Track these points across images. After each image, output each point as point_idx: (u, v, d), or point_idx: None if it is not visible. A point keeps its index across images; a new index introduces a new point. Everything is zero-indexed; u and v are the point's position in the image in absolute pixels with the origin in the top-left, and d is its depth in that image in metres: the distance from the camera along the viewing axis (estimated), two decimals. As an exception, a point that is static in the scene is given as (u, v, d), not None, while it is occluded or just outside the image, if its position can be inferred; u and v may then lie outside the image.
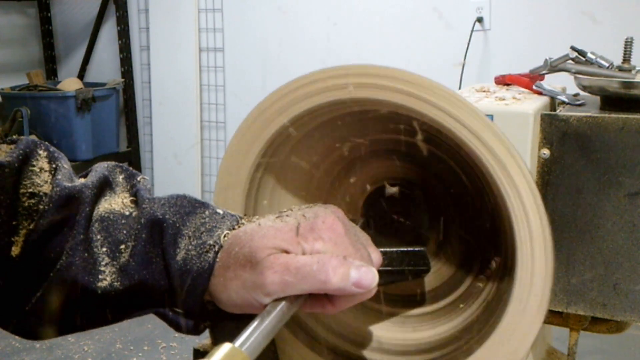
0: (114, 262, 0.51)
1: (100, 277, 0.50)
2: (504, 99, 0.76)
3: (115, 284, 0.50)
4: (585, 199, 0.69)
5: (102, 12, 3.39)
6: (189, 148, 3.25)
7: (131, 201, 0.54)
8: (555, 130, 0.69)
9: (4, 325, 0.53)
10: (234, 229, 0.52)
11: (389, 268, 0.67)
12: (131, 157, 3.42)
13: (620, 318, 0.71)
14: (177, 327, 0.52)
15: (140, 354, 2.33)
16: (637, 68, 0.80)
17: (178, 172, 3.31)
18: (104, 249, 0.51)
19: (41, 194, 0.51)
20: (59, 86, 3.21)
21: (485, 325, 0.64)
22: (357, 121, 0.67)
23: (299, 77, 0.61)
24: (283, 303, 0.49)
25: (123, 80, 3.34)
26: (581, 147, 0.69)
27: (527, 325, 0.57)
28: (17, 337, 0.54)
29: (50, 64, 3.56)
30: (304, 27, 2.92)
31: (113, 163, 0.58)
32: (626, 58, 0.81)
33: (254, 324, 0.46)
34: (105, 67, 3.47)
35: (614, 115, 0.68)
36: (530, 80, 0.83)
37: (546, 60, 0.84)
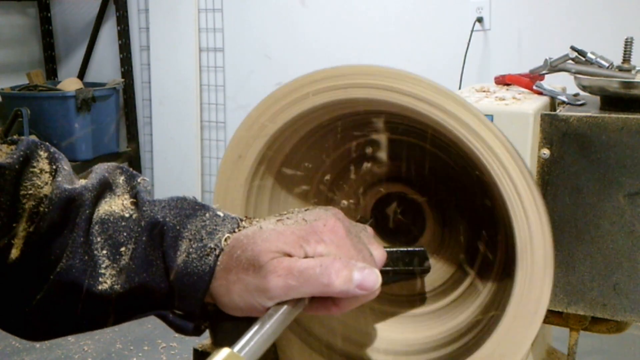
0: (114, 265, 0.50)
1: (100, 279, 0.50)
2: (504, 99, 0.76)
3: (116, 286, 0.50)
4: (585, 199, 0.69)
5: (102, 12, 3.39)
6: (189, 148, 3.24)
7: (131, 203, 0.54)
8: (555, 130, 0.69)
9: (4, 326, 0.53)
10: (234, 231, 0.52)
11: (390, 268, 0.67)
12: (131, 157, 3.42)
13: (620, 318, 0.71)
14: (178, 329, 0.52)
15: (140, 354, 2.33)
16: (637, 68, 0.80)
17: (178, 172, 3.30)
18: (104, 252, 0.50)
19: (41, 195, 0.50)
20: (59, 86, 3.21)
21: (485, 324, 0.64)
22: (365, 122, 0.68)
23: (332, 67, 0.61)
24: (285, 307, 0.48)
25: (123, 80, 3.33)
26: (581, 147, 0.69)
27: (527, 325, 0.57)
28: (17, 337, 0.54)
29: (50, 64, 3.56)
30: (304, 27, 2.92)
31: (113, 164, 0.57)
32: (626, 58, 0.81)
33: (255, 328, 0.46)
34: (105, 67, 3.47)
35: (614, 115, 0.67)
36: (530, 80, 0.83)
37: (546, 60, 0.84)
